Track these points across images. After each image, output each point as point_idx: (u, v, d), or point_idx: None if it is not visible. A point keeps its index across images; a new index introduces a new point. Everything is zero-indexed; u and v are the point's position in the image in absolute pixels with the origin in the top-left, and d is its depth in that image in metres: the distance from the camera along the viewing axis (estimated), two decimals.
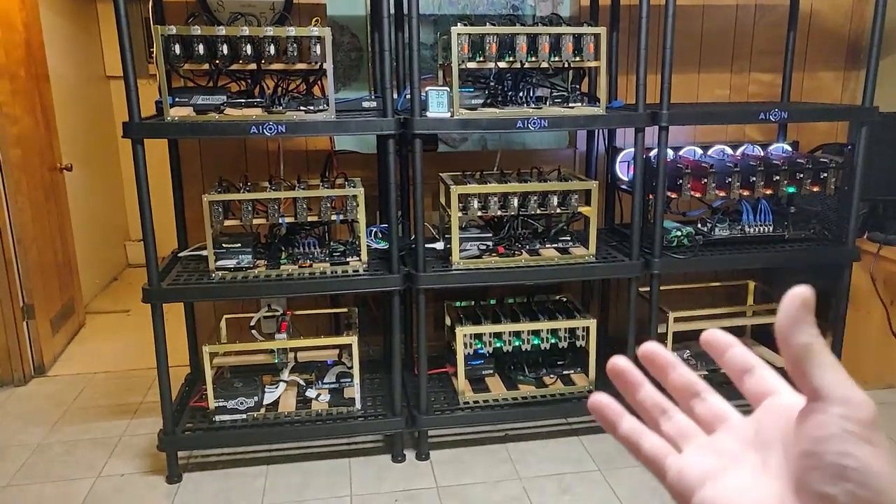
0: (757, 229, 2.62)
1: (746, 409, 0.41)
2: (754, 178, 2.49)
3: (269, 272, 2.31)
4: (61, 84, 3.83)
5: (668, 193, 2.48)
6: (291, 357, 2.51)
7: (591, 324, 2.52)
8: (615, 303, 3.06)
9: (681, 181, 2.47)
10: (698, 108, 2.80)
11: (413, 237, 2.37)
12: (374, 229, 2.51)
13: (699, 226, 2.62)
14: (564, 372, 2.64)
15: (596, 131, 2.83)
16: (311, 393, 2.51)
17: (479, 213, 2.38)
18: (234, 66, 2.18)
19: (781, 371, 0.36)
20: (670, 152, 2.52)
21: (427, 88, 2.24)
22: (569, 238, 2.54)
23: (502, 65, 2.26)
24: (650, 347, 0.41)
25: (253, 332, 2.59)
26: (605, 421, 0.41)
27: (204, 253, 2.35)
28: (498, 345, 2.51)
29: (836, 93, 3.14)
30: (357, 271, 2.33)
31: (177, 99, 2.18)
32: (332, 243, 2.45)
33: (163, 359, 2.26)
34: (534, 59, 2.25)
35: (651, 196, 2.47)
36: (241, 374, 2.53)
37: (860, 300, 2.84)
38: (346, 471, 2.41)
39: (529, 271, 2.37)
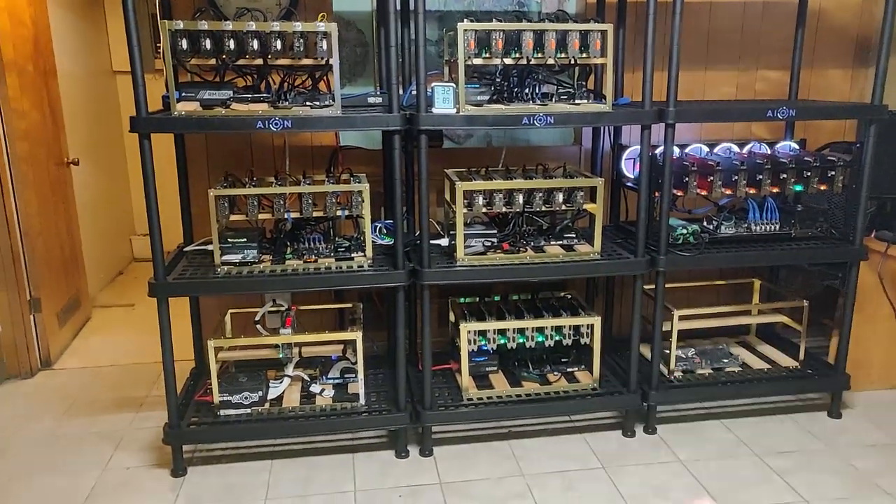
0: (763, 227, 2.61)
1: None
2: (761, 176, 2.48)
3: (275, 267, 2.31)
4: (68, 79, 3.84)
5: (674, 191, 2.47)
6: (296, 352, 2.52)
7: (596, 321, 2.51)
8: (620, 300, 3.05)
9: (687, 179, 2.47)
10: (705, 105, 2.79)
11: (418, 233, 2.37)
12: (379, 225, 2.51)
13: (705, 224, 2.61)
14: (568, 369, 2.63)
15: (601, 128, 2.82)
16: (315, 388, 2.52)
17: (484, 210, 2.38)
18: (241, 62, 2.18)
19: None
20: (676, 150, 2.51)
21: (433, 84, 2.23)
22: (574, 235, 2.54)
23: (508, 61, 2.25)
24: None
25: (258, 326, 2.60)
26: None
27: (209, 247, 2.36)
28: (502, 341, 2.51)
29: (845, 91, 3.12)
30: (362, 267, 2.33)
31: (183, 94, 2.19)
32: (337, 239, 2.45)
33: (168, 353, 2.27)
34: (540, 55, 2.25)
35: (657, 193, 2.46)
36: (246, 369, 2.53)
37: (867, 299, 2.83)
38: (350, 466, 2.42)
39: (534, 268, 2.37)
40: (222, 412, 2.39)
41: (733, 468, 2.40)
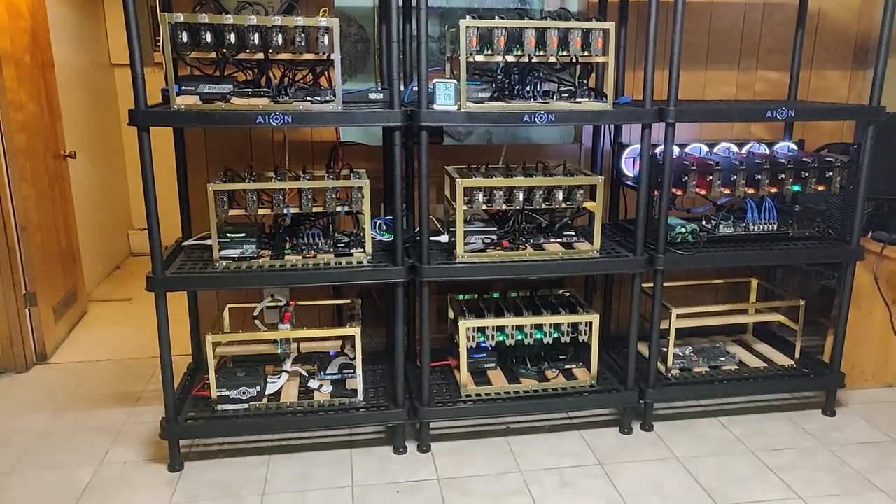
0: (761, 227, 2.62)
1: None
2: (760, 176, 2.49)
3: (273, 262, 2.31)
4: (66, 71, 3.82)
5: (674, 190, 2.48)
6: (294, 347, 2.52)
7: (594, 319, 2.52)
8: (618, 298, 3.06)
9: (686, 178, 2.47)
10: (705, 105, 2.80)
11: (417, 230, 2.37)
12: (379, 221, 2.51)
13: (703, 223, 2.62)
14: (566, 366, 2.64)
15: (602, 127, 2.82)
16: (313, 384, 2.52)
17: (484, 207, 2.38)
18: (241, 56, 2.18)
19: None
20: (676, 149, 2.52)
21: (434, 81, 2.23)
22: (573, 233, 2.54)
23: (510, 59, 2.26)
24: None
25: (256, 322, 2.60)
26: None
27: (208, 242, 2.36)
28: (500, 338, 2.52)
29: (843, 92, 3.14)
30: (361, 263, 2.33)
31: (183, 87, 2.18)
32: (336, 234, 2.45)
33: (166, 347, 2.27)
34: (542, 53, 2.25)
35: (656, 192, 2.47)
36: (244, 364, 2.53)
37: (863, 299, 2.84)
38: (348, 462, 2.42)
39: (533, 265, 2.37)
40: (220, 407, 2.39)
41: (729, 465, 2.42)
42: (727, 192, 2.50)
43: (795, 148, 2.80)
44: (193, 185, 2.64)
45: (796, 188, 2.53)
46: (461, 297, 2.71)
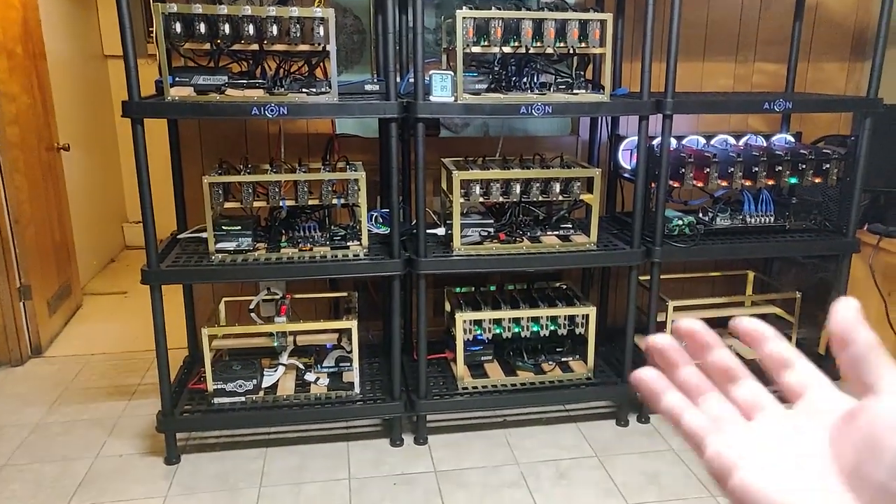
0: (758, 219, 2.62)
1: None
2: (757, 169, 2.49)
3: (269, 255, 2.30)
4: (58, 63, 3.79)
5: (671, 182, 2.47)
6: (290, 340, 2.51)
7: (591, 311, 2.52)
8: (615, 291, 3.06)
9: (683, 170, 2.47)
10: (703, 96, 2.79)
11: (414, 222, 2.36)
12: (375, 214, 2.49)
13: (701, 215, 2.62)
14: (563, 359, 2.64)
15: (599, 119, 2.81)
16: (309, 377, 2.51)
17: (481, 200, 2.37)
18: (236, 47, 2.16)
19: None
20: (673, 141, 2.51)
21: (431, 72, 2.22)
22: (570, 225, 2.54)
23: (507, 50, 2.24)
24: (691, 325, 0.41)
25: (252, 315, 2.59)
26: (649, 393, 0.41)
27: (203, 235, 2.34)
28: (497, 331, 2.51)
29: (840, 84, 3.13)
30: (357, 256, 2.32)
31: (177, 78, 2.16)
32: (332, 227, 2.44)
33: (161, 340, 2.26)
34: (539, 44, 2.24)
35: (653, 184, 2.46)
36: (240, 357, 2.52)
37: (858, 291, 2.85)
38: (345, 454, 2.42)
39: (530, 258, 2.37)
40: (216, 400, 2.38)
41: None
42: (724, 184, 2.49)
43: (793, 140, 2.79)
44: (188, 178, 2.62)
45: (793, 180, 2.53)
46: (458, 289, 2.70)
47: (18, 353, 3.14)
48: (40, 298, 3.26)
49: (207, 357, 2.34)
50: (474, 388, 2.51)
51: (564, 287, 2.75)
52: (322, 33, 2.14)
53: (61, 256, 3.59)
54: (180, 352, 2.74)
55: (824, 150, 2.53)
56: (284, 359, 2.52)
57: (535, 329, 2.52)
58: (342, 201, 2.33)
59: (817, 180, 2.53)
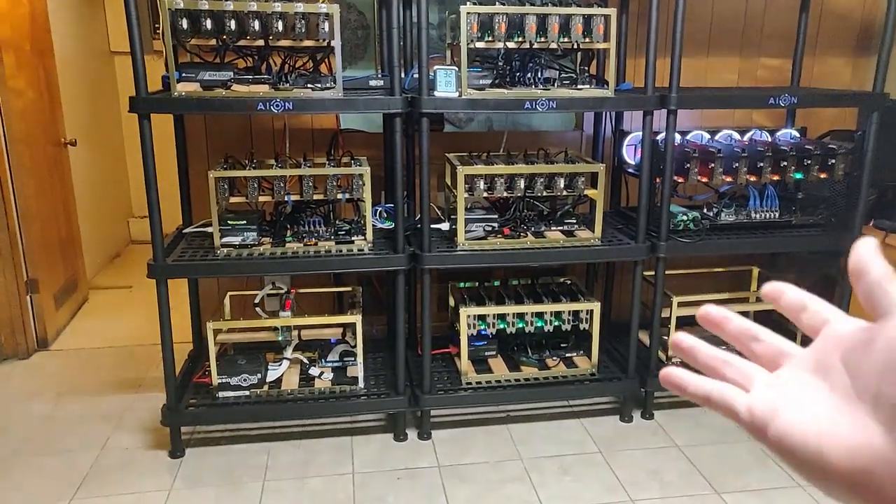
0: (763, 215, 2.61)
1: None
2: (762, 164, 2.48)
3: (274, 250, 2.31)
4: (66, 59, 3.81)
5: (675, 178, 2.47)
6: (295, 335, 2.52)
7: (595, 307, 2.52)
8: (619, 286, 3.06)
9: (688, 165, 2.46)
10: (707, 92, 2.78)
11: (418, 217, 2.36)
12: (380, 209, 2.50)
13: (705, 210, 2.61)
14: (567, 354, 2.64)
15: (603, 114, 2.81)
16: (314, 371, 2.52)
17: (485, 195, 2.37)
18: (242, 42, 2.16)
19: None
20: (677, 136, 2.51)
21: (435, 67, 2.22)
22: (574, 221, 2.54)
23: (511, 45, 2.24)
24: (706, 309, 0.44)
25: (257, 309, 2.60)
26: (676, 387, 0.44)
27: (209, 230, 2.35)
28: (501, 326, 2.52)
29: (846, 78, 3.12)
30: (362, 250, 2.33)
31: (183, 74, 2.17)
32: (337, 222, 2.44)
33: (167, 334, 2.27)
34: (543, 39, 2.23)
35: (658, 180, 2.46)
36: (245, 352, 2.53)
37: None
38: (349, 449, 2.43)
39: (535, 253, 2.37)
40: (221, 394, 2.39)
41: (729, 453, 2.42)
42: (729, 179, 2.48)
43: (798, 135, 2.79)
44: (194, 173, 2.63)
45: (799, 176, 2.52)
46: (462, 284, 2.71)
47: (25, 346, 3.16)
48: (47, 292, 3.28)
49: (212, 351, 2.35)
50: (478, 383, 2.52)
51: (568, 282, 2.75)
52: (327, 29, 2.14)
53: (68, 251, 3.61)
54: (185, 346, 2.75)
55: (830, 146, 2.52)
56: (289, 353, 2.53)
57: (539, 324, 2.52)
58: (347, 196, 2.33)
59: (823, 176, 2.52)
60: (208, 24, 2.10)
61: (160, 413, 2.37)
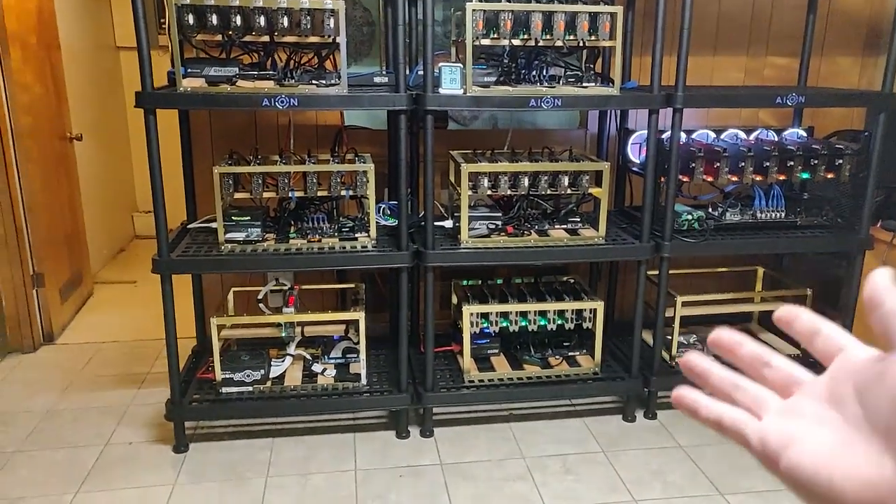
0: (769, 215, 2.60)
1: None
2: (768, 164, 2.47)
3: (278, 246, 2.31)
4: (72, 53, 3.82)
5: (680, 177, 2.46)
6: (298, 331, 2.52)
7: (599, 306, 2.51)
8: (623, 285, 3.05)
9: (693, 165, 2.45)
10: (713, 90, 2.77)
11: (422, 214, 2.36)
12: (383, 206, 2.50)
13: (710, 210, 2.60)
14: (570, 353, 2.64)
15: (608, 112, 2.80)
16: (317, 367, 2.52)
17: (489, 192, 2.37)
18: (247, 38, 2.16)
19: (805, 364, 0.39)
20: (683, 135, 2.50)
21: (440, 64, 2.21)
22: (578, 219, 2.53)
23: (516, 42, 2.23)
24: (718, 333, 0.43)
25: (260, 305, 2.60)
26: (688, 410, 0.43)
27: (213, 225, 2.35)
28: (504, 324, 2.51)
29: (853, 78, 3.10)
30: (365, 247, 2.33)
31: (189, 70, 2.17)
32: (341, 219, 2.45)
33: (171, 329, 2.28)
34: (548, 37, 2.23)
35: (663, 179, 2.45)
36: (248, 347, 2.54)
37: None
38: (351, 445, 2.43)
39: (538, 252, 2.37)
40: (224, 390, 2.40)
41: (732, 454, 2.42)
42: (734, 179, 2.47)
43: (804, 135, 2.77)
44: (198, 169, 2.63)
45: (805, 176, 2.50)
46: (465, 282, 2.71)
47: (31, 340, 3.17)
48: (52, 286, 3.29)
49: (216, 346, 2.36)
50: (481, 381, 2.52)
51: (572, 281, 2.75)
52: (332, 25, 2.14)
53: (73, 245, 3.62)
54: (189, 341, 2.76)
55: (837, 146, 2.51)
56: (292, 349, 2.53)
57: (542, 323, 2.52)
58: (351, 193, 2.33)
59: (830, 176, 2.51)
60: (214, 19, 2.10)
61: (164, 408, 2.37)
